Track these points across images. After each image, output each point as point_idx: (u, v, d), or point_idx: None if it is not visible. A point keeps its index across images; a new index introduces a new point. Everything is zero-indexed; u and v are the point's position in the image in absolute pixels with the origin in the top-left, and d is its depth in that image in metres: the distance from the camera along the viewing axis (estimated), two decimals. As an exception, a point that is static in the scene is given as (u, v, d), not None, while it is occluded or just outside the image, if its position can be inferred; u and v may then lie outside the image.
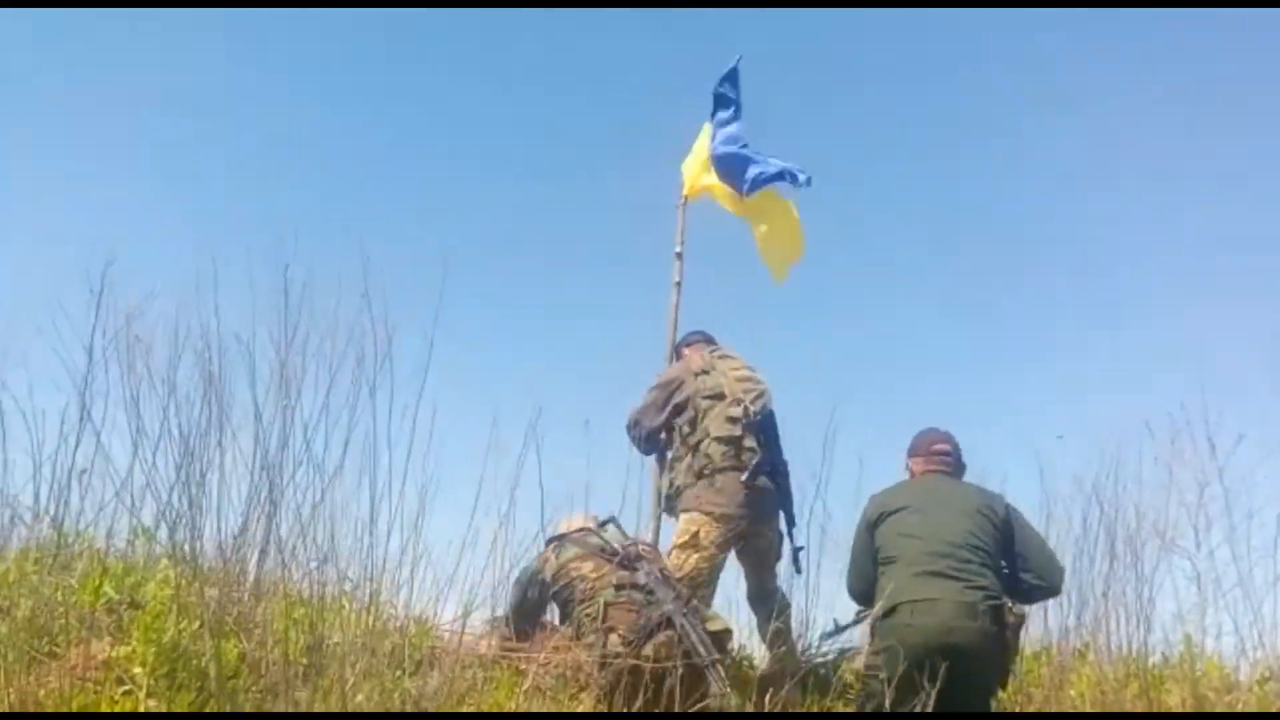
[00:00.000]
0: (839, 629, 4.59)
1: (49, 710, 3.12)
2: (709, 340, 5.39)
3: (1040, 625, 5.02)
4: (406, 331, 3.96)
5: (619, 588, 4.07)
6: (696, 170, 6.10)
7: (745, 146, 5.97)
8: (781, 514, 4.97)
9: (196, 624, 3.40)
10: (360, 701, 3.39)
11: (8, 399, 3.86)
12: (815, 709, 4.43)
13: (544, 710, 3.87)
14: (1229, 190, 12.34)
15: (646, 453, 5.23)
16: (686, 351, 5.38)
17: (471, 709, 3.71)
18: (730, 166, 5.97)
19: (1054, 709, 4.58)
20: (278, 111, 13.42)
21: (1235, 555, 4.73)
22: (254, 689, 3.36)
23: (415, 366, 3.82)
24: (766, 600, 4.85)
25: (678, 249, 5.89)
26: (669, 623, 3.91)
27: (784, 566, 4.99)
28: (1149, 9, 10.57)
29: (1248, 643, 4.54)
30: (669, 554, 4.73)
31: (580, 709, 3.83)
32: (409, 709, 3.51)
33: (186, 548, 3.65)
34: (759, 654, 4.96)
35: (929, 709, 3.54)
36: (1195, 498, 4.84)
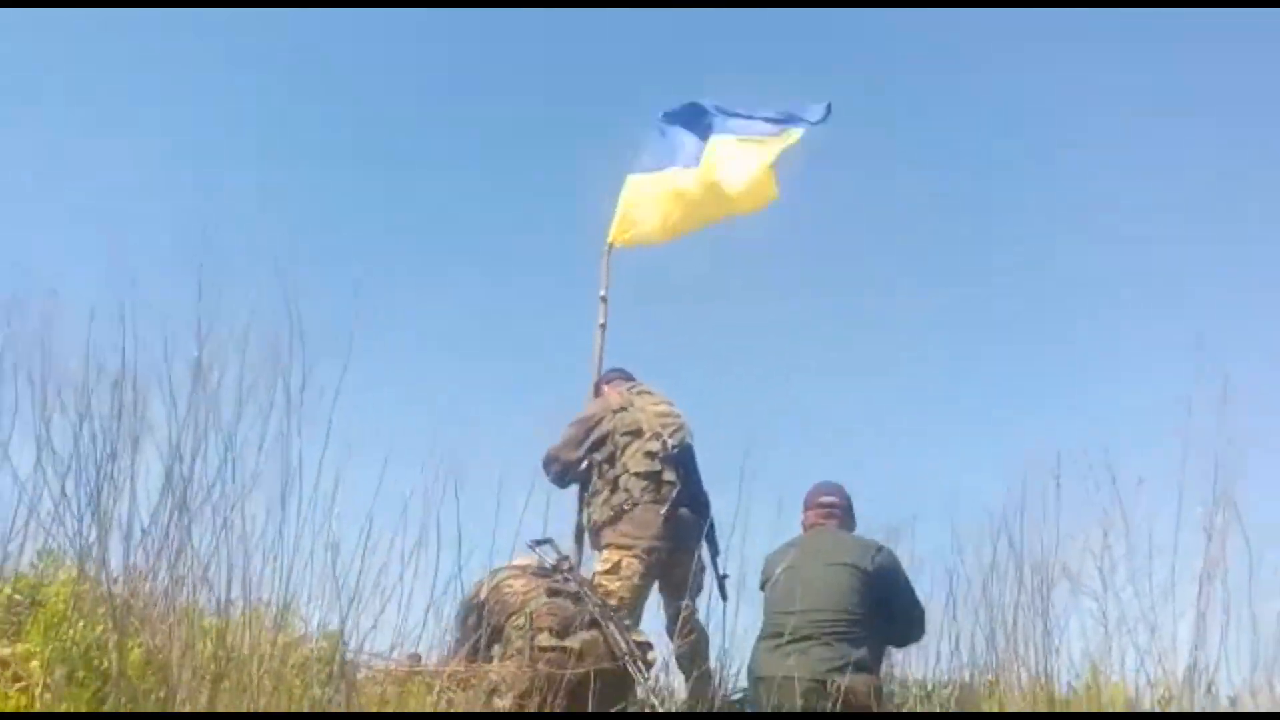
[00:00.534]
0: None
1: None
2: (627, 377, 5.51)
3: (948, 659, 5.10)
4: (326, 354, 4.03)
5: (551, 595, 4.14)
6: (624, 217, 6.29)
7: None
8: (705, 543, 5.02)
9: (99, 624, 3.36)
10: (264, 705, 3.36)
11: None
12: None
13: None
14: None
15: (562, 486, 5.28)
16: (605, 389, 5.48)
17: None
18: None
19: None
20: (225, 109, 13.27)
21: (1138, 593, 4.90)
22: (159, 691, 3.31)
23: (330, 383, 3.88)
24: (683, 626, 4.86)
25: (602, 292, 6.06)
26: (595, 623, 3.98)
27: (706, 598, 5.05)
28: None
29: (1149, 669, 4.66)
30: (592, 580, 4.76)
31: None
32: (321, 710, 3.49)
33: (94, 550, 3.60)
34: (678, 685, 4.97)
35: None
36: (1100, 540, 5.02)
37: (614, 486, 4.99)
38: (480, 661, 4.30)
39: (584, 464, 5.17)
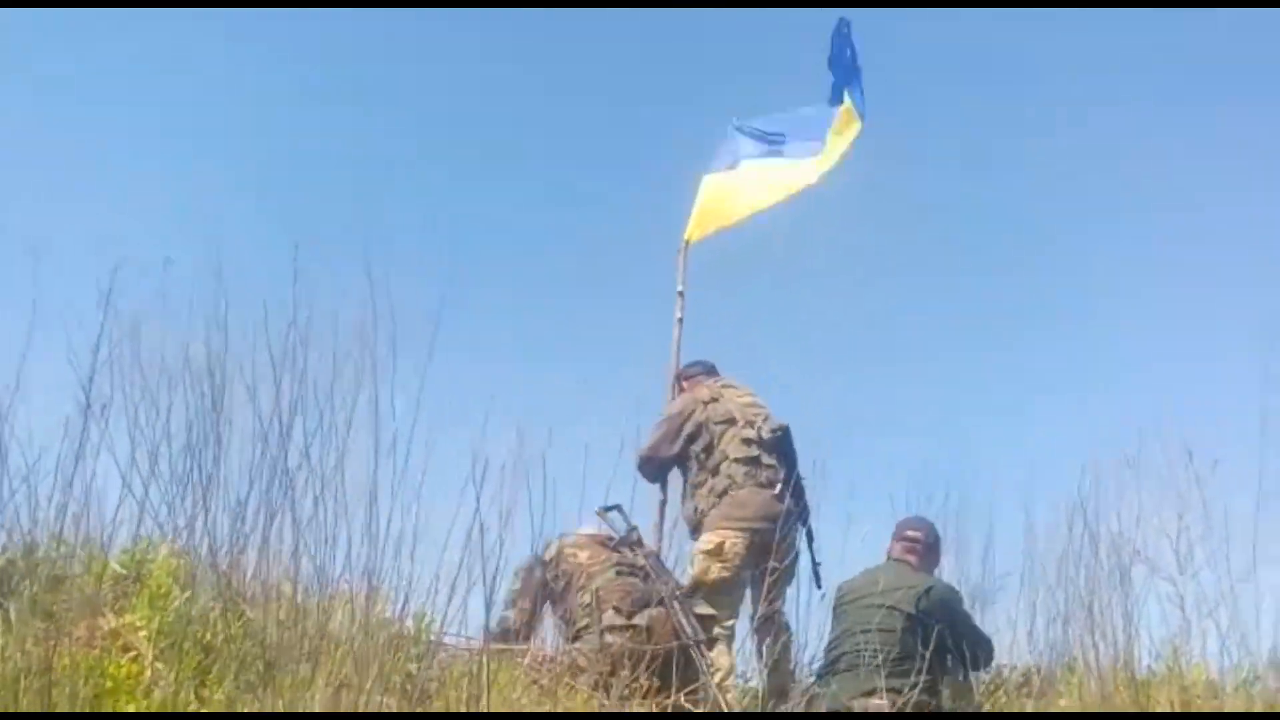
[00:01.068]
0: None
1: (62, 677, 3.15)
2: (710, 371, 5.58)
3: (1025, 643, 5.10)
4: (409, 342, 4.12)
5: (619, 571, 4.18)
6: (701, 214, 6.46)
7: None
8: (802, 530, 5.10)
9: (200, 598, 3.47)
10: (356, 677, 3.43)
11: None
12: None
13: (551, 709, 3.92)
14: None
15: (657, 482, 5.40)
16: (685, 384, 5.55)
17: (470, 693, 3.74)
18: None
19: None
20: (283, 116, 13.45)
21: (1218, 575, 4.86)
22: (258, 660, 3.41)
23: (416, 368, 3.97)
24: (769, 625, 4.90)
25: (680, 288, 6.24)
26: (661, 601, 4.02)
27: (801, 584, 5.12)
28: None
29: (1231, 651, 4.62)
30: (693, 559, 4.87)
31: (577, 694, 3.87)
32: (409, 689, 3.57)
33: (195, 523, 3.72)
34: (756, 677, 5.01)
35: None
36: (1175, 524, 4.99)
37: (715, 473, 5.06)
38: (535, 619, 4.40)
39: (682, 457, 5.24)
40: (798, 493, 5.07)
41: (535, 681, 3.96)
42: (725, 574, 4.79)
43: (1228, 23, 11.29)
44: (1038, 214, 13.31)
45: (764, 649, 4.84)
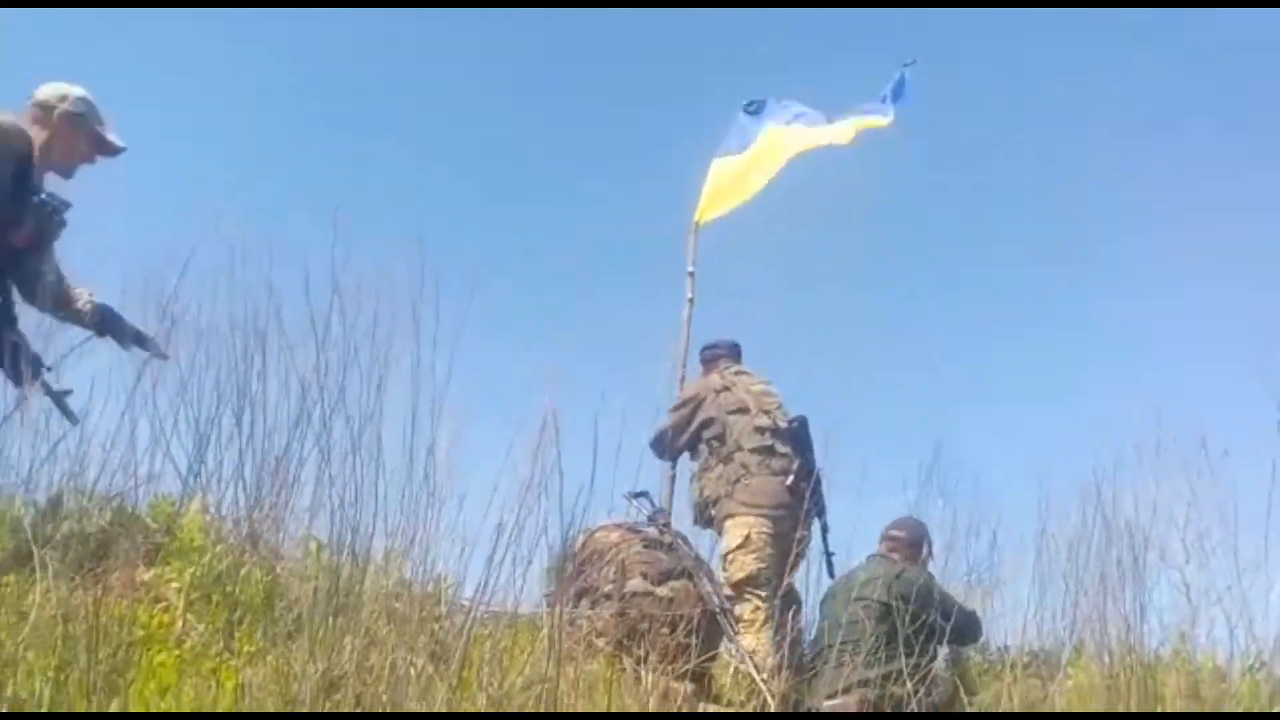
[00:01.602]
0: None
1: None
2: (735, 354, 5.60)
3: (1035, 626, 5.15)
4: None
5: (646, 544, 4.25)
6: (710, 196, 6.49)
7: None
8: (816, 519, 5.13)
9: (229, 554, 3.53)
10: (385, 634, 3.49)
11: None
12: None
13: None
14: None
15: (666, 460, 5.48)
16: (702, 367, 5.61)
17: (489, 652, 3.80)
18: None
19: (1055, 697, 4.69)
20: (283, 116, 13.54)
21: (1225, 564, 4.90)
22: (286, 619, 3.47)
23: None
24: (788, 600, 4.91)
25: (690, 268, 6.34)
26: (686, 573, 4.08)
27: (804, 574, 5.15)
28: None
29: (1239, 638, 4.67)
30: (726, 560, 4.90)
31: (596, 656, 3.94)
32: (433, 649, 3.62)
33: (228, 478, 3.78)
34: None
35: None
36: (1183, 512, 5.03)
37: (727, 461, 5.10)
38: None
39: (691, 445, 5.30)
40: (814, 485, 5.10)
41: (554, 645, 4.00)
42: (761, 564, 4.84)
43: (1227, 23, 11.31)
44: (1074, 212, 13.40)
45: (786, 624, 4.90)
